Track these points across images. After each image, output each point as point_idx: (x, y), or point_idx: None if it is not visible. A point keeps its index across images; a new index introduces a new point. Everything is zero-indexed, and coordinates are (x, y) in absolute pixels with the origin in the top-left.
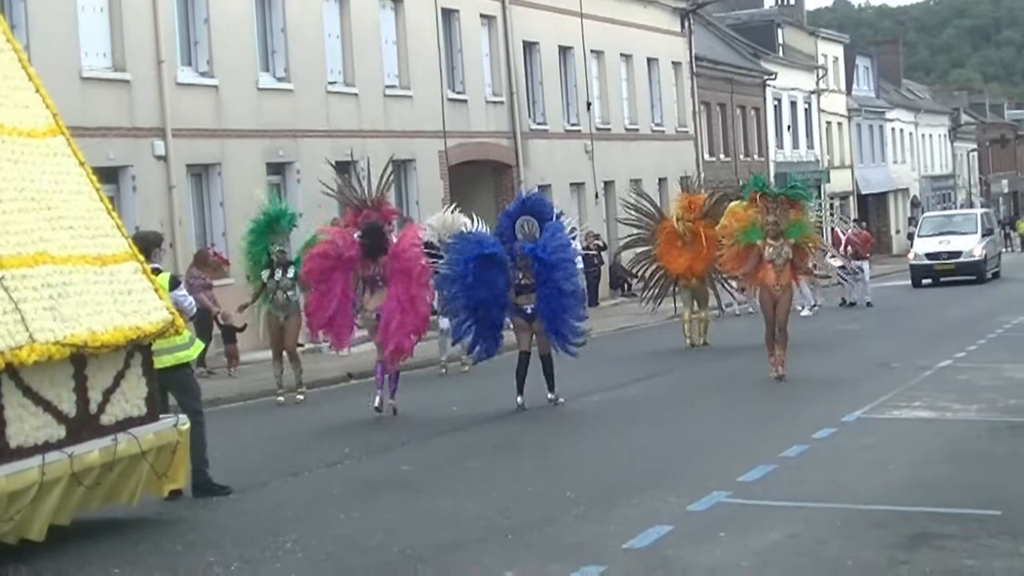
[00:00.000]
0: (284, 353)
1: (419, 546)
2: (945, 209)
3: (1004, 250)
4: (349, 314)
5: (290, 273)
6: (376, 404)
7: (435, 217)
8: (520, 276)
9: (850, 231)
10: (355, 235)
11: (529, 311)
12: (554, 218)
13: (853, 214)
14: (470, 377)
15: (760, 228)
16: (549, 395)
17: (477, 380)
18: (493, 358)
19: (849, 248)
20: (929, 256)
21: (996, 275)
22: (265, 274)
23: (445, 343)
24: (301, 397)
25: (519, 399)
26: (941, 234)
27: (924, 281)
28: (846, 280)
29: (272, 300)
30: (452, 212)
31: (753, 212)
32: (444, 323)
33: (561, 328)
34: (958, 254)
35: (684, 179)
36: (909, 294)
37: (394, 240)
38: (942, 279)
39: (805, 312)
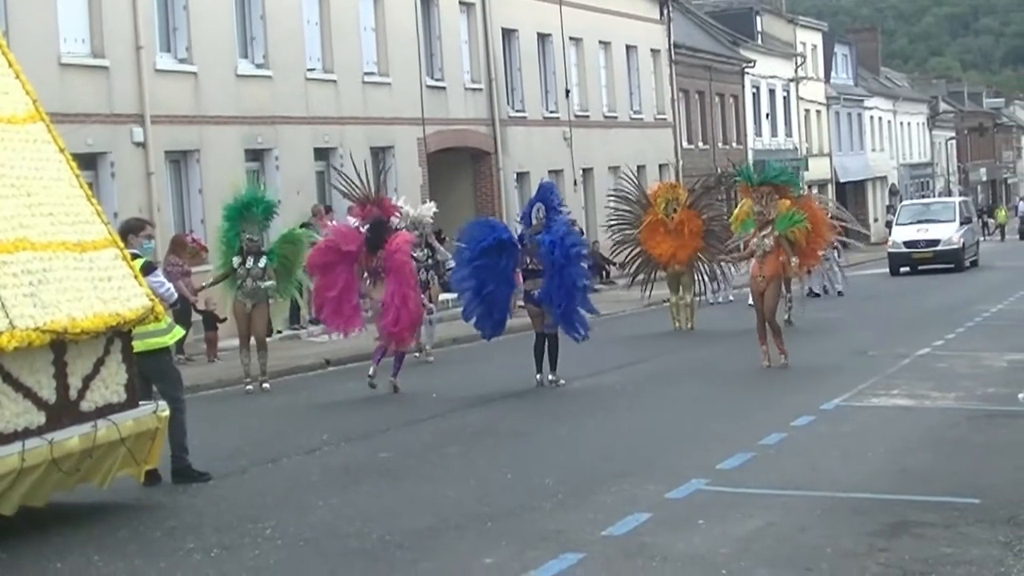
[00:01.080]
0: (252, 341)
1: (398, 532)
2: (923, 197)
3: (982, 238)
4: (355, 302)
5: (261, 262)
6: (371, 373)
7: (411, 209)
8: (528, 261)
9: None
10: (363, 229)
11: (536, 295)
12: (558, 209)
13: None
14: (448, 364)
15: (752, 219)
16: (550, 376)
17: (455, 367)
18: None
19: None
20: (907, 244)
21: (974, 263)
22: (236, 260)
23: (428, 331)
24: (267, 386)
25: (537, 376)
26: (919, 222)
27: (902, 269)
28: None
29: (240, 287)
30: (426, 208)
31: (750, 202)
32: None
33: (571, 317)
34: (936, 242)
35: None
36: (887, 282)
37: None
38: (920, 267)
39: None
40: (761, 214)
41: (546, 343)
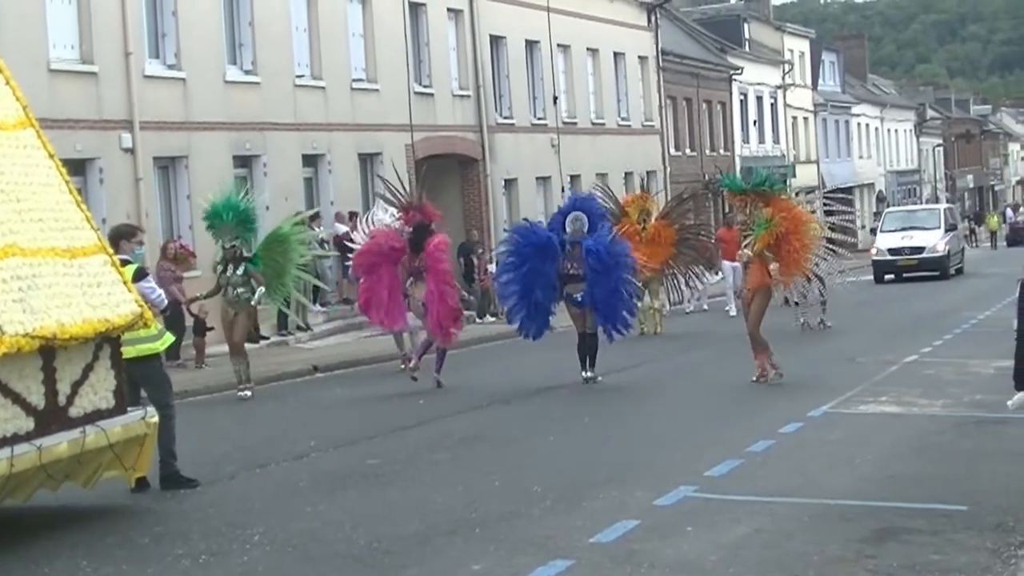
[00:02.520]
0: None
1: (386, 539)
2: (912, 204)
3: (969, 245)
4: (399, 300)
5: (240, 270)
6: (412, 366)
7: (382, 220)
8: (569, 266)
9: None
10: (406, 232)
11: (579, 298)
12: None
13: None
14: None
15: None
16: (587, 373)
17: (444, 374)
18: (465, 349)
19: None
20: (892, 252)
21: (959, 271)
22: (219, 269)
23: (411, 340)
24: (248, 393)
25: (583, 374)
26: (904, 229)
27: (887, 277)
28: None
29: (225, 295)
30: (388, 214)
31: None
32: (411, 320)
33: (614, 319)
34: (921, 249)
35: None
36: (873, 289)
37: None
38: (905, 275)
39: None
40: (745, 223)
41: (585, 341)
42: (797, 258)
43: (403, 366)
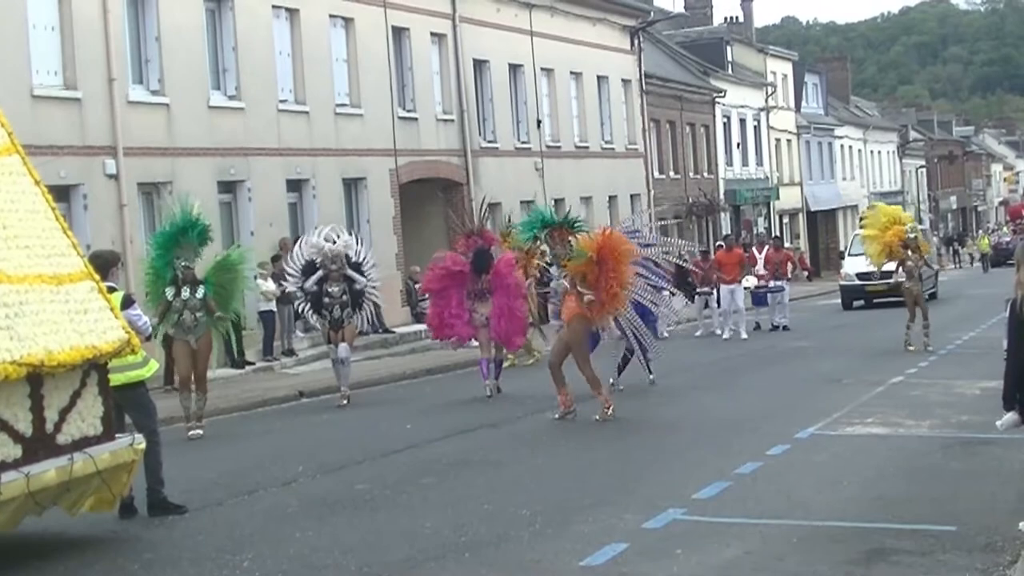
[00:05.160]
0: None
1: (375, 564)
2: None
3: (953, 266)
4: (466, 319)
5: (199, 292)
6: (488, 393)
7: (324, 242)
8: None
9: (768, 249)
10: (468, 256)
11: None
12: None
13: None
14: (421, 395)
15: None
16: (650, 376)
17: (429, 398)
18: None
19: (767, 267)
20: (860, 276)
21: (933, 296)
22: (170, 292)
23: (343, 372)
24: (200, 432)
25: (611, 381)
26: None
27: (855, 303)
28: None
29: (178, 323)
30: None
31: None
32: (343, 351)
33: (640, 335)
34: (891, 274)
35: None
36: (851, 313)
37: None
38: (875, 300)
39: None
40: (557, 255)
41: (630, 354)
42: (613, 293)
43: (343, 401)
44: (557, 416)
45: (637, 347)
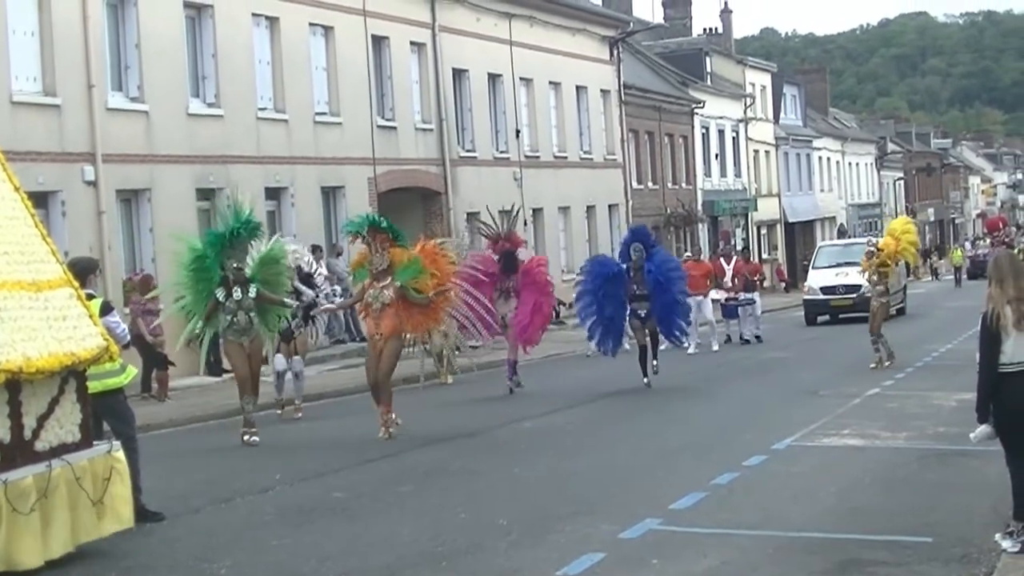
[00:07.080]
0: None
1: (353, 572)
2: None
3: (929, 279)
4: (495, 316)
5: (251, 291)
6: (510, 380)
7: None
8: (635, 288)
9: (736, 260)
10: (496, 258)
11: (643, 314)
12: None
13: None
14: (397, 404)
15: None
16: (653, 361)
17: (412, 408)
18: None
19: (736, 279)
20: (824, 290)
21: (901, 311)
22: (220, 293)
23: (282, 385)
24: (257, 439)
25: (644, 380)
26: (838, 265)
27: (820, 318)
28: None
29: (232, 324)
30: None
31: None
32: (280, 363)
33: (673, 328)
34: (856, 288)
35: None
36: (825, 327)
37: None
38: (840, 315)
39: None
40: (373, 263)
41: (646, 349)
42: (434, 307)
43: (280, 412)
44: (381, 436)
45: (660, 331)
